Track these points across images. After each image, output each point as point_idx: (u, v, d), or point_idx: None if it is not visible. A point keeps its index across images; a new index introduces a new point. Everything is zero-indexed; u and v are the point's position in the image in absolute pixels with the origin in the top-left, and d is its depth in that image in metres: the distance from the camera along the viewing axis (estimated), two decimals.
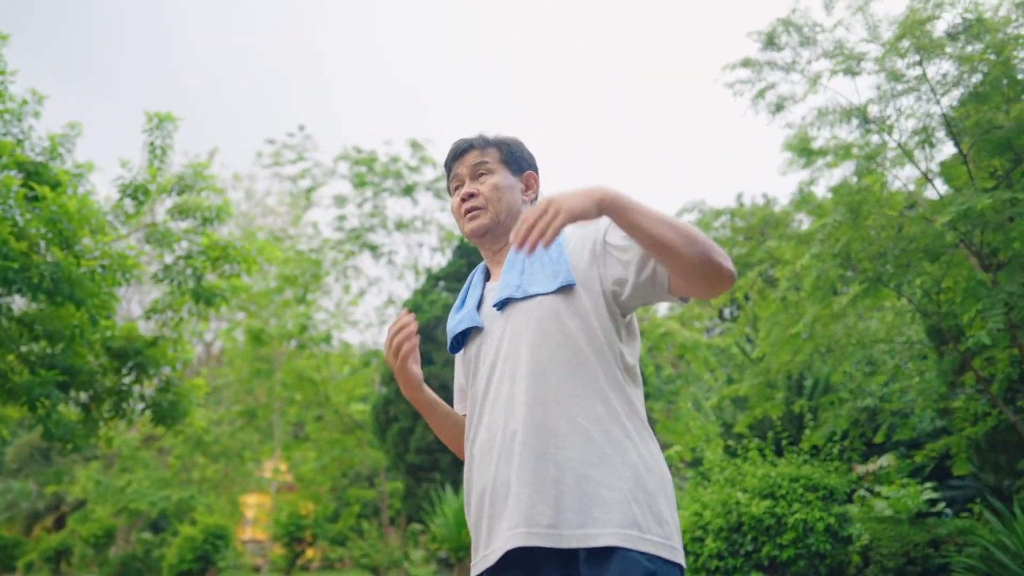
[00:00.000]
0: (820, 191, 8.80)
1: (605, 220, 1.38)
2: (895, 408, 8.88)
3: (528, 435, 1.30)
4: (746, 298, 9.37)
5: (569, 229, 1.47)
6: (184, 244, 5.78)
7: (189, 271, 5.61)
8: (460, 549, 8.86)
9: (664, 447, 10.86)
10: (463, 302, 1.60)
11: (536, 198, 1.61)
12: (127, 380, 6.25)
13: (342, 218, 16.16)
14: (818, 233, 6.26)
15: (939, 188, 7.71)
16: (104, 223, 5.72)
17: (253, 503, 22.78)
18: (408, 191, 15.79)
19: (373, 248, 16.22)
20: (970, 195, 5.50)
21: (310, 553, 17.99)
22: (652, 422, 11.80)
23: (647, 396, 11.37)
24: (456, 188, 1.60)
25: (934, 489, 9.09)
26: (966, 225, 5.85)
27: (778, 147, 7.98)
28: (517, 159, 1.59)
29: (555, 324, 1.36)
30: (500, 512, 1.30)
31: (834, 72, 6.82)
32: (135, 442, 17.50)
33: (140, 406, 6.55)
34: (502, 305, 1.44)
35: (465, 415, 1.60)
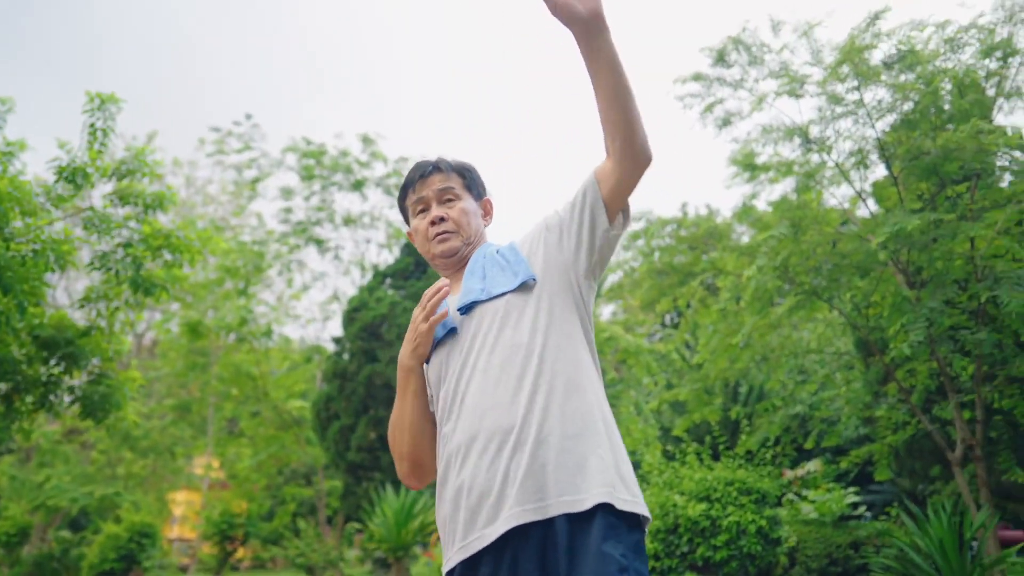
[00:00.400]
0: (761, 205, 9.16)
1: (543, 219, 1.56)
2: (824, 416, 9.29)
3: (508, 430, 1.33)
4: (688, 306, 9.64)
5: (519, 238, 1.60)
6: (124, 231, 5.55)
7: (128, 259, 5.39)
8: (399, 548, 8.80)
9: None
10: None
11: (491, 223, 1.72)
12: (55, 371, 5.97)
13: (288, 210, 15.81)
14: (761, 246, 6.50)
15: (871, 207, 8.12)
16: (37, 206, 5.45)
17: (182, 500, 22.01)
18: (357, 186, 15.56)
19: (319, 242, 15.92)
20: (901, 216, 5.82)
21: (240, 552, 17.49)
22: None
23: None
24: (421, 210, 1.64)
25: (856, 493, 9.56)
26: (896, 244, 6.18)
27: (721, 160, 8.25)
28: (478, 186, 1.69)
29: (523, 317, 1.43)
30: (482, 506, 1.32)
31: (779, 93, 7.10)
32: (56, 435, 16.65)
33: (68, 399, 6.27)
34: (467, 309, 1.49)
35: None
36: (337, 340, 12.61)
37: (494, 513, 1.30)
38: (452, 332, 1.51)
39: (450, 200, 1.62)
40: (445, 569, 1.38)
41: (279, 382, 14.72)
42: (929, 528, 5.81)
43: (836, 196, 8.23)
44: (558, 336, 1.43)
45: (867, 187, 7.98)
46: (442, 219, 1.59)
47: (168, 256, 5.75)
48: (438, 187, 1.62)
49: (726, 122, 8.09)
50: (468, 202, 1.64)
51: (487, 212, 1.71)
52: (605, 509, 1.27)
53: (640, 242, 9.63)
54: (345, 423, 11.31)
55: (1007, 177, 7.34)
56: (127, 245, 5.48)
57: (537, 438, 1.31)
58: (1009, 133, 6.61)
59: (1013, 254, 6.15)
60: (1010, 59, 6.64)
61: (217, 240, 6.01)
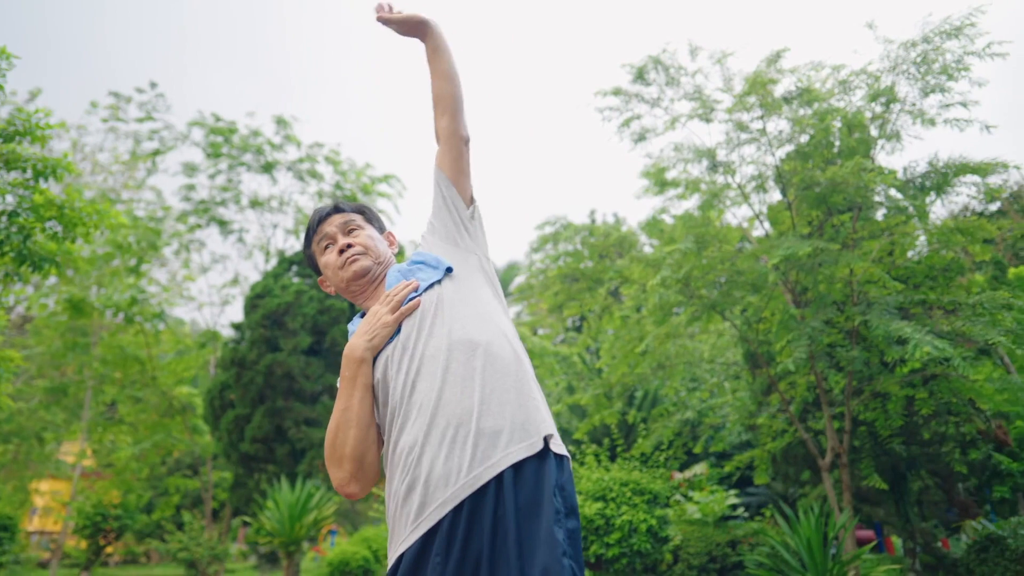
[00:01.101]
0: (667, 219, 9.60)
1: (422, 236, 1.73)
2: (713, 422, 9.84)
3: (461, 422, 1.40)
4: (590, 311, 9.95)
5: (425, 245, 1.72)
6: (9, 199, 5.10)
7: (15, 229, 4.96)
8: (292, 543, 8.58)
9: None
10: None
11: (396, 250, 1.82)
12: None
13: (191, 188, 14.93)
14: (667, 259, 6.82)
15: (766, 227, 8.70)
16: None
17: (46, 490, 20.34)
18: (268, 168, 14.92)
19: (222, 223, 15.16)
20: (793, 241, 6.28)
21: (111, 547, 16.34)
22: None
23: None
24: (327, 246, 1.71)
25: (737, 496, 10.21)
26: (787, 266, 6.67)
27: (630, 172, 8.59)
28: (377, 220, 1.80)
29: (459, 297, 1.56)
30: (439, 491, 1.36)
31: (692, 116, 7.48)
32: None
33: None
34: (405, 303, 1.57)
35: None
36: (237, 326, 12.07)
37: (448, 490, 1.36)
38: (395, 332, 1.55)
39: (353, 230, 1.71)
40: (394, 557, 1.40)
41: (168, 367, 13.90)
42: (799, 528, 6.30)
43: (736, 216, 8.79)
44: (487, 315, 1.55)
45: (763, 209, 8.54)
46: (349, 245, 1.67)
47: (58, 228, 5.34)
48: (340, 223, 1.72)
49: (641, 137, 8.45)
50: (368, 232, 1.73)
51: (391, 243, 1.81)
52: (544, 453, 1.39)
53: (549, 246, 9.87)
54: (240, 413, 10.85)
55: (882, 211, 8.11)
56: (13, 214, 5.05)
57: (490, 427, 1.39)
58: (887, 172, 7.28)
59: (883, 282, 6.77)
60: (892, 105, 7.31)
61: (116, 214, 5.64)
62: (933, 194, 7.44)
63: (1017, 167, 7.20)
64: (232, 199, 15.11)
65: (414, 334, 1.52)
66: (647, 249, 12.31)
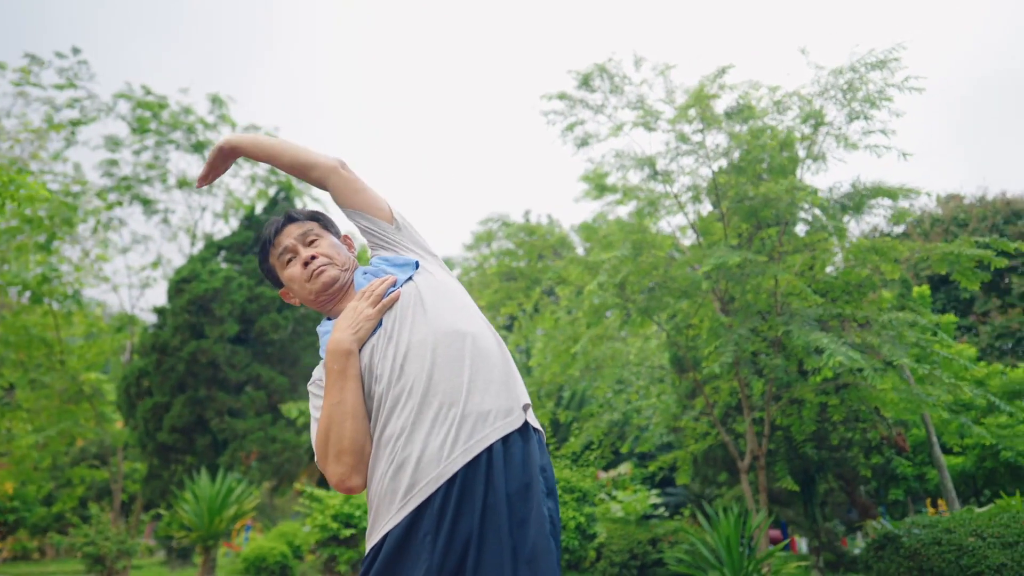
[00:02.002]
0: (601, 223, 9.81)
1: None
2: (641, 423, 10.11)
3: (450, 405, 1.42)
4: (522, 311, 10.05)
5: (377, 259, 1.72)
6: None
7: None
8: (210, 537, 8.28)
9: None
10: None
11: (355, 251, 1.82)
12: None
13: (113, 163, 14.11)
14: (604, 263, 6.98)
15: (695, 237, 9.01)
16: None
17: None
18: (199, 148, 14.25)
19: (146, 202, 14.40)
20: (724, 251, 6.55)
21: (0, 543, 15.22)
22: None
23: None
24: (289, 259, 1.68)
25: (658, 495, 10.56)
26: (717, 275, 6.94)
27: (563, 175, 8.76)
28: (332, 225, 1.78)
29: (435, 290, 1.58)
30: (428, 470, 1.38)
31: (636, 124, 7.68)
32: None
33: None
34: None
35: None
36: (159, 311, 11.50)
37: (441, 465, 1.38)
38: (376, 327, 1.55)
39: (314, 240, 1.69)
40: (375, 539, 1.40)
41: (77, 351, 13.11)
42: (719, 527, 6.59)
43: (670, 224, 9.08)
44: (467, 307, 1.59)
45: (695, 219, 8.86)
46: (313, 257, 1.65)
47: None
48: (298, 233, 1.69)
49: (584, 142, 8.61)
50: (327, 240, 1.71)
51: (349, 246, 1.81)
52: (526, 430, 1.45)
53: (484, 245, 9.93)
54: (159, 401, 10.36)
55: (804, 227, 8.56)
56: None
57: (479, 406, 1.43)
58: (812, 191, 7.69)
59: (805, 295, 7.15)
60: (820, 127, 7.72)
61: (33, 185, 5.29)
62: (851, 213, 7.92)
63: (928, 193, 7.75)
64: (158, 177, 14.38)
65: (397, 325, 1.52)
66: (579, 251, 12.53)
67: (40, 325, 12.41)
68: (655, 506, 10.13)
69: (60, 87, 13.49)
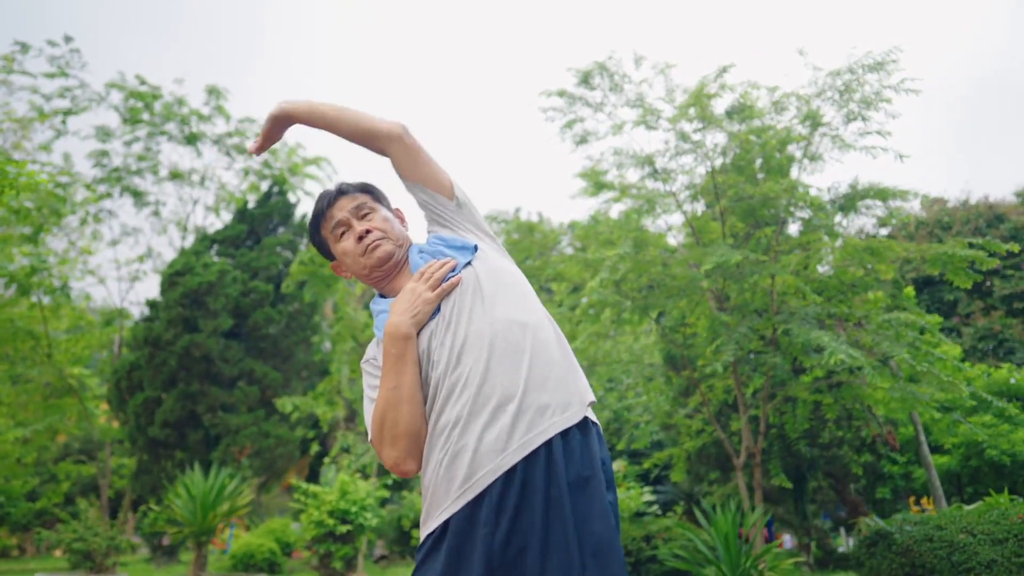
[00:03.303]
0: (590, 221, 9.83)
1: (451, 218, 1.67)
2: (636, 420, 10.16)
3: (509, 399, 1.40)
4: None
5: (436, 239, 1.67)
6: None
7: None
8: (203, 533, 8.21)
9: None
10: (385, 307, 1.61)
11: (407, 226, 1.76)
12: None
13: (103, 153, 13.88)
14: (605, 261, 7.00)
15: (680, 237, 9.05)
16: None
17: None
18: (192, 140, 14.06)
19: (137, 194, 14.18)
20: (725, 250, 6.59)
21: None
22: None
23: None
24: (343, 233, 1.65)
25: (651, 493, 10.60)
26: (717, 274, 6.99)
27: (554, 173, 8.78)
28: (384, 198, 1.73)
29: (494, 276, 1.54)
30: (486, 459, 1.36)
31: (637, 123, 7.70)
32: None
33: None
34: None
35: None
36: (151, 304, 11.34)
37: (499, 457, 1.36)
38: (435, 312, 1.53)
39: (367, 214, 1.65)
40: (432, 526, 1.39)
41: (64, 345, 12.90)
42: (717, 523, 6.64)
43: (666, 223, 9.12)
44: (527, 296, 1.56)
45: (691, 218, 8.92)
46: (368, 231, 1.61)
47: None
48: (351, 206, 1.64)
49: (583, 140, 8.62)
50: (381, 212, 1.67)
51: (402, 220, 1.76)
52: (586, 424, 1.42)
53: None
54: (150, 395, 10.23)
55: (797, 227, 8.64)
56: None
57: (537, 401, 1.40)
58: (807, 191, 7.76)
59: (803, 293, 7.23)
60: (817, 128, 7.79)
61: (32, 173, 5.20)
62: (841, 214, 8.01)
63: (915, 194, 7.85)
64: (149, 169, 14.16)
65: (456, 312, 1.50)
66: (568, 250, 12.55)
67: (26, 318, 12.20)
68: (648, 503, 10.18)
69: (51, 76, 13.24)
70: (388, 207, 1.73)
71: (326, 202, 1.65)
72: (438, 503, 1.40)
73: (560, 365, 1.47)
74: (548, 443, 1.37)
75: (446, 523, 1.37)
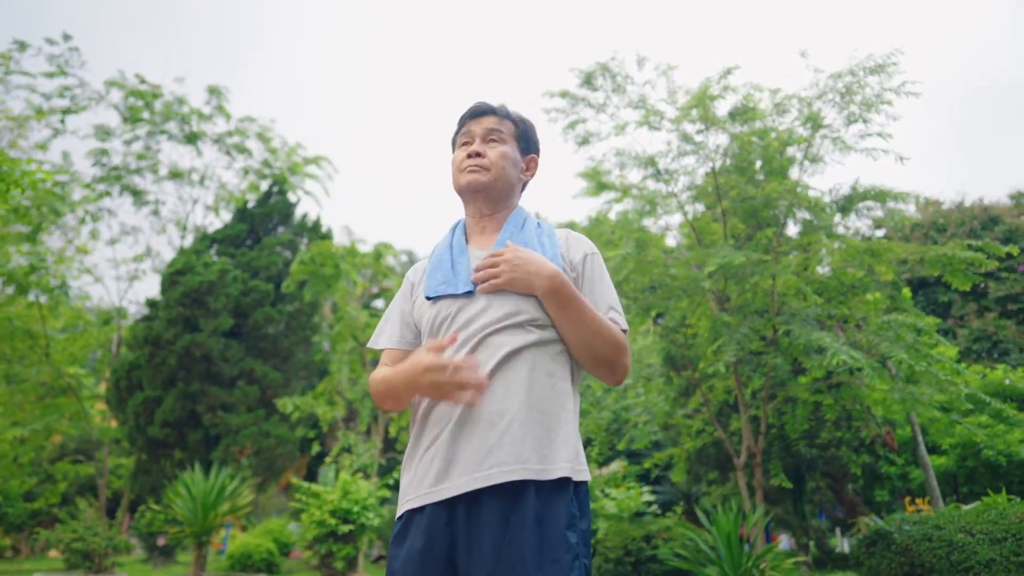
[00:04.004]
0: (583, 223, 9.85)
1: (593, 257, 1.61)
2: (636, 420, 10.19)
3: (503, 412, 1.41)
4: None
5: (563, 242, 1.62)
6: None
7: None
8: (204, 533, 8.20)
9: None
10: (451, 264, 1.60)
11: (531, 179, 1.72)
12: None
13: (103, 152, 13.83)
14: (610, 261, 7.02)
15: (678, 238, 9.07)
16: None
17: None
18: (192, 139, 14.02)
19: (136, 193, 14.14)
20: (729, 251, 6.62)
21: None
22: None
23: None
24: (464, 143, 1.65)
25: (650, 493, 10.64)
26: (720, 274, 7.02)
27: (551, 175, 8.78)
28: (528, 139, 1.69)
29: (530, 313, 1.50)
30: (464, 470, 1.40)
31: (641, 124, 7.73)
32: None
33: None
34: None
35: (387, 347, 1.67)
36: (151, 303, 11.31)
37: (469, 476, 1.39)
38: (468, 292, 1.52)
39: (494, 141, 1.63)
40: (401, 510, 1.46)
41: (62, 344, 12.85)
42: (719, 523, 6.67)
43: (667, 224, 9.14)
44: (548, 343, 1.51)
45: (692, 218, 8.95)
46: (478, 154, 1.61)
47: None
48: (487, 127, 1.64)
49: (585, 141, 8.64)
50: (511, 148, 1.65)
51: (528, 168, 1.71)
52: (565, 482, 1.41)
53: None
54: (150, 395, 10.20)
55: (797, 228, 8.68)
56: None
57: (526, 419, 1.41)
58: (808, 192, 7.80)
59: (805, 294, 7.26)
60: (818, 130, 7.83)
61: (38, 170, 5.19)
62: (839, 215, 8.06)
63: (916, 196, 7.90)
64: (149, 168, 14.11)
65: (483, 315, 1.49)
66: None
67: (24, 317, 12.14)
68: (648, 503, 10.22)
69: (50, 75, 13.19)
70: (525, 149, 1.69)
71: (472, 112, 1.66)
72: (412, 487, 1.46)
73: (553, 415, 1.45)
74: (514, 488, 1.38)
75: (411, 517, 1.44)
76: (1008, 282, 17.20)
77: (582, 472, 1.47)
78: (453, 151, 1.71)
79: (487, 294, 1.51)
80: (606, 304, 1.54)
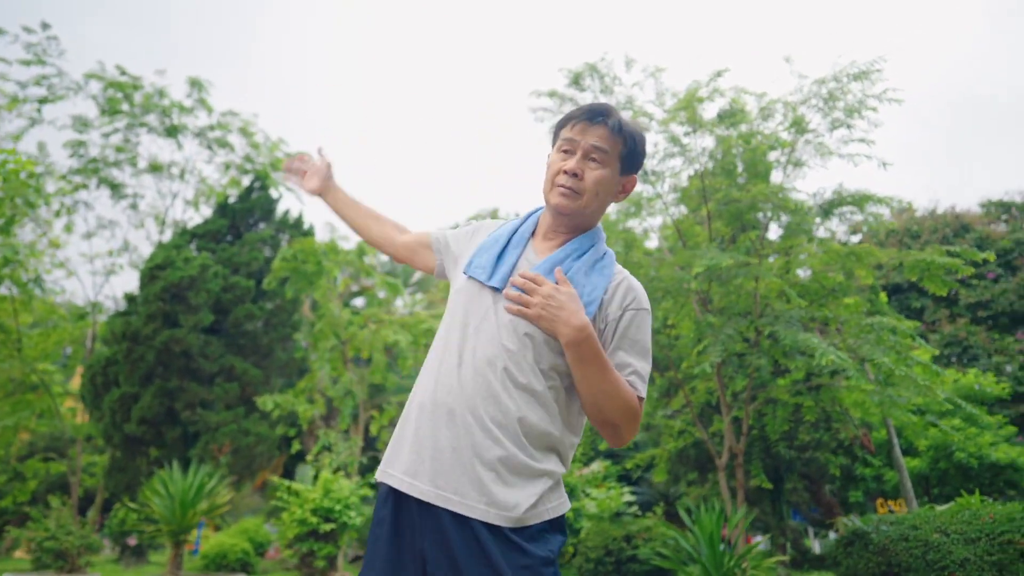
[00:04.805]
0: None
1: (633, 315, 1.52)
2: None
3: (493, 421, 1.39)
4: None
5: (610, 288, 1.53)
6: None
7: None
8: (182, 532, 8.06)
9: None
10: (500, 253, 1.57)
11: (625, 197, 1.64)
12: None
13: (80, 144, 13.55)
14: None
15: (674, 238, 9.15)
16: None
17: None
18: (172, 132, 13.79)
19: (114, 186, 13.87)
20: (715, 253, 6.68)
21: None
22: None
23: (406, 390, 11.55)
24: (566, 151, 1.56)
25: (631, 493, 10.69)
26: (706, 276, 7.08)
27: (529, 174, 8.85)
28: (633, 159, 1.60)
29: (545, 351, 1.46)
30: (439, 471, 1.38)
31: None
32: None
33: None
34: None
35: (405, 235, 1.80)
36: (130, 298, 11.10)
37: (447, 483, 1.38)
38: (497, 289, 1.50)
39: (595, 161, 1.53)
40: (382, 480, 1.46)
41: (34, 339, 12.56)
42: (702, 523, 6.72)
43: (651, 225, 9.21)
44: (559, 359, 1.47)
45: (674, 220, 9.02)
46: (574, 174, 1.52)
47: None
48: (593, 142, 1.52)
49: None
50: (611, 172, 1.55)
51: (624, 190, 1.63)
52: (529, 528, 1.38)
53: None
54: (127, 391, 10.00)
55: (778, 231, 8.79)
56: None
57: (515, 449, 1.38)
58: (789, 195, 7.90)
59: (789, 296, 7.35)
60: (802, 135, 7.94)
61: (18, 160, 5.06)
62: (819, 219, 8.18)
63: (900, 201, 8.04)
64: (128, 161, 13.85)
65: (510, 330, 1.46)
66: None
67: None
68: (628, 504, 10.26)
69: (27, 63, 12.89)
70: (628, 169, 1.59)
71: (588, 116, 1.53)
72: (392, 458, 1.47)
73: (536, 450, 1.42)
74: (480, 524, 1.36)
75: (387, 495, 1.45)
76: (978, 289, 17.59)
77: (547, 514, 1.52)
78: (552, 144, 1.62)
79: (511, 317, 1.47)
80: (629, 367, 1.47)
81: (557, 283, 1.46)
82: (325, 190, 1.92)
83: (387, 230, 1.81)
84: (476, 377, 1.41)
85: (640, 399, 1.46)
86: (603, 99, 8.35)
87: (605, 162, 1.54)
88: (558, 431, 1.45)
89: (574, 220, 1.57)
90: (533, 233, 1.63)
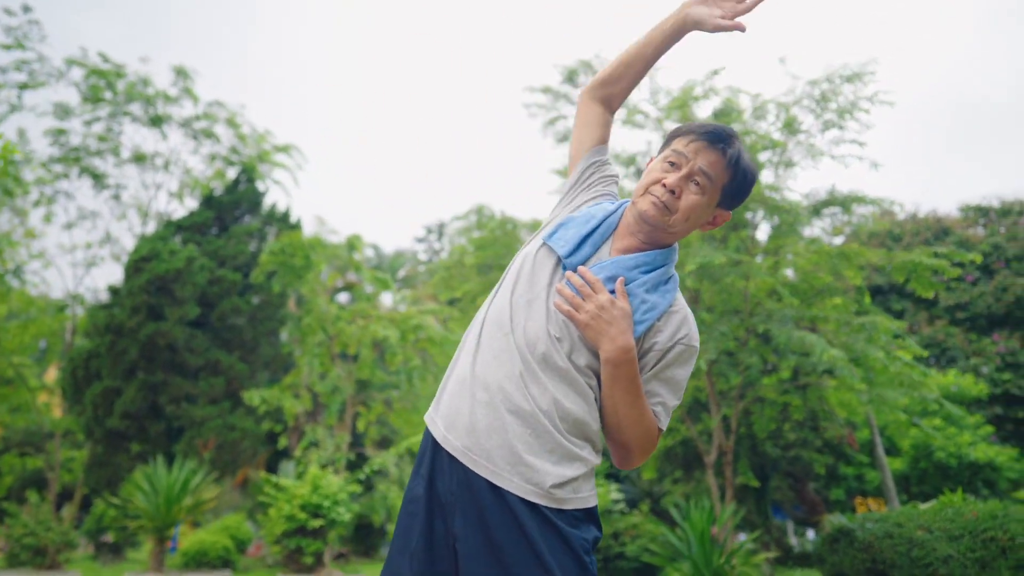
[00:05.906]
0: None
1: (682, 351, 1.48)
2: None
3: (533, 411, 1.37)
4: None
5: (665, 318, 1.49)
6: None
7: None
8: (166, 527, 7.93)
9: (405, 438, 11.05)
10: (587, 234, 1.51)
11: (712, 229, 1.62)
12: None
13: (61, 132, 13.26)
14: None
15: None
16: None
17: None
18: (157, 122, 13.53)
19: (96, 176, 13.59)
20: (708, 251, 6.71)
21: None
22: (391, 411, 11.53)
23: (394, 386, 11.47)
24: (672, 163, 1.50)
25: (618, 490, 10.71)
26: (700, 273, 7.11)
27: (517, 173, 8.81)
28: (735, 197, 1.55)
29: (583, 351, 1.44)
30: (490, 440, 1.36)
31: (624, 123, 7.78)
32: None
33: None
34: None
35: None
36: (114, 290, 10.88)
37: (492, 458, 1.35)
38: (563, 268, 1.47)
39: (697, 185, 1.48)
40: (427, 427, 1.44)
41: (13, 332, 12.27)
42: (693, 519, 6.75)
43: None
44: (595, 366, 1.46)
45: None
46: (672, 192, 1.47)
47: None
48: (703, 166, 1.47)
49: (565, 138, 8.67)
50: (707, 201, 1.50)
51: (714, 222, 1.58)
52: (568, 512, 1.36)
53: (434, 239, 9.87)
54: (110, 385, 9.80)
55: (766, 231, 8.86)
56: None
57: (549, 427, 1.37)
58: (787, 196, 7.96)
59: (781, 295, 7.41)
60: (795, 135, 8.00)
61: (5, 145, 4.92)
62: (807, 220, 8.25)
63: (891, 202, 8.13)
64: (110, 150, 13.58)
65: (557, 318, 1.44)
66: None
67: None
68: (615, 501, 10.29)
69: (7, 47, 12.57)
70: (725, 203, 1.54)
71: (708, 137, 1.47)
72: (442, 401, 1.46)
73: (568, 441, 1.39)
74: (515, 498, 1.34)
75: (429, 450, 1.43)
76: (957, 292, 17.89)
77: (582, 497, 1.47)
78: (661, 149, 1.57)
79: (560, 318, 1.44)
80: (658, 397, 1.45)
81: (615, 292, 1.43)
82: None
83: (621, 89, 1.67)
84: (516, 354, 1.40)
85: (660, 431, 1.45)
86: None
87: (706, 190, 1.48)
88: (595, 423, 1.43)
89: (655, 233, 1.51)
90: (616, 226, 1.58)
